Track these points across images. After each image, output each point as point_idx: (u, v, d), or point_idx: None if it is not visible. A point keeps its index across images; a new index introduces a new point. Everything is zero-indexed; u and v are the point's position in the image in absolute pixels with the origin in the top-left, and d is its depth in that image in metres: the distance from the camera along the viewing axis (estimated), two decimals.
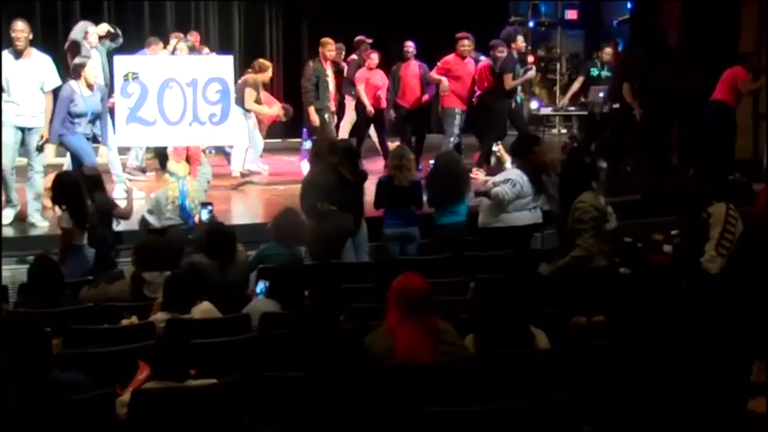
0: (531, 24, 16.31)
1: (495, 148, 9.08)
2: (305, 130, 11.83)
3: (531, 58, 15.27)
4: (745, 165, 10.66)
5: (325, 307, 5.07)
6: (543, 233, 7.86)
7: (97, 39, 10.30)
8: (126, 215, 7.61)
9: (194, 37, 12.13)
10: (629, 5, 14.26)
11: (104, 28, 10.73)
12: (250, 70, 11.04)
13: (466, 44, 10.99)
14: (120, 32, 10.82)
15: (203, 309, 5.30)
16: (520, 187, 7.40)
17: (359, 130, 11.62)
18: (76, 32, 10.09)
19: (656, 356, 4.30)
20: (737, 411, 2.96)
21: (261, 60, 11.31)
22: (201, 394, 4.00)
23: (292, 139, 13.48)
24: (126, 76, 9.36)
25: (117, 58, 9.75)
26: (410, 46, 11.24)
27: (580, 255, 5.91)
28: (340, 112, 11.77)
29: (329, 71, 10.95)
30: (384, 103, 11.52)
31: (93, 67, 9.00)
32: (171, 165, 7.94)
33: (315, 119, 10.73)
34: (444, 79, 10.96)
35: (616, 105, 11.28)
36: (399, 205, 7.76)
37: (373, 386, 3.98)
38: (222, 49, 13.49)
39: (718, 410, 3.49)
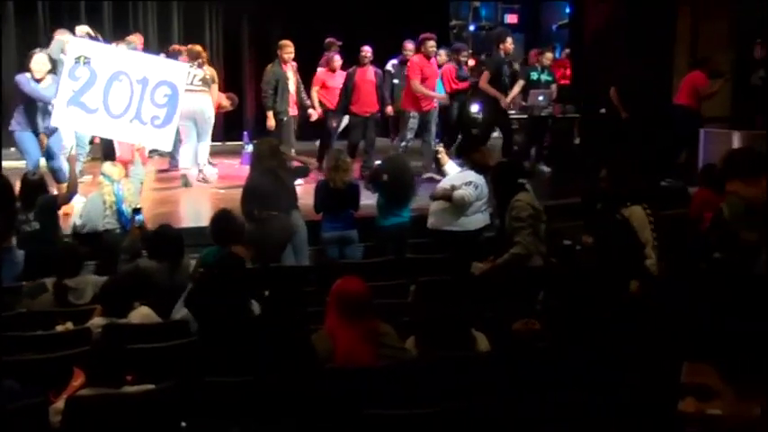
0: (471, 28, 16.42)
1: (438, 148, 9.11)
2: (245, 132, 11.80)
3: (471, 62, 15.41)
4: (681, 168, 10.88)
5: (277, 310, 5.02)
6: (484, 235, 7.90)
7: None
8: (68, 198, 7.61)
9: (137, 38, 11.96)
10: (567, 10, 14.43)
11: (84, 29, 10.61)
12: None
13: (431, 45, 10.98)
14: (99, 37, 10.67)
15: (142, 313, 5.24)
16: (480, 190, 7.46)
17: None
18: (54, 50, 9.87)
19: (593, 358, 4.35)
20: (670, 412, 3.00)
21: (191, 47, 11.23)
22: (138, 400, 3.94)
23: (233, 143, 13.42)
24: (78, 58, 9.13)
25: (73, 40, 9.56)
26: (367, 51, 11.06)
27: (519, 252, 5.95)
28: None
29: (290, 74, 10.81)
30: None
31: (40, 60, 9.06)
32: (106, 167, 7.82)
33: (271, 123, 10.67)
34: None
35: (602, 110, 11.47)
36: (337, 208, 7.73)
37: (313, 389, 3.95)
38: (161, 50, 13.32)
39: (650, 411, 3.54)
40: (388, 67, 11.50)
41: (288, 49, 10.76)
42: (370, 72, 11.07)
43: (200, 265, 6.32)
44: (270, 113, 10.68)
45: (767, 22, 11.04)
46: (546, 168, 11.61)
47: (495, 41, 11.10)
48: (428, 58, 10.93)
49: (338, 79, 11.43)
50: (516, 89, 12.06)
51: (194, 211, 9.58)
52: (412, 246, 7.84)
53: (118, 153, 10.07)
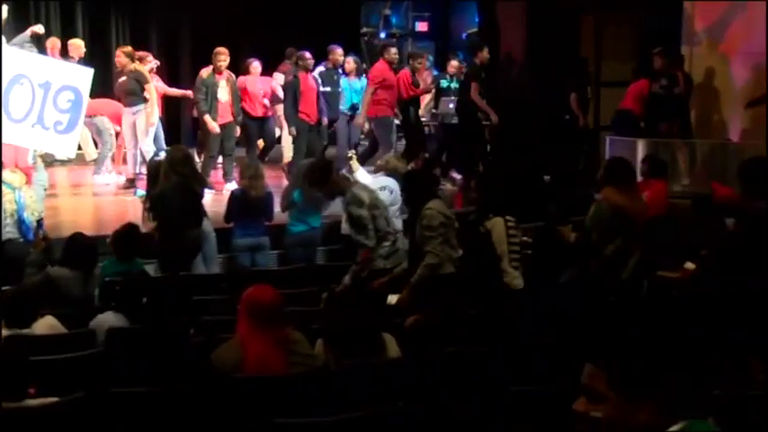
0: (382, 36, 16.47)
1: (349, 154, 9.09)
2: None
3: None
4: (583, 174, 11.13)
5: (171, 320, 4.95)
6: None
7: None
8: None
9: (52, 44, 11.64)
10: (476, 19, 14.60)
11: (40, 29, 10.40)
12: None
13: (393, 52, 11.01)
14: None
15: (47, 324, 5.09)
16: (395, 195, 7.50)
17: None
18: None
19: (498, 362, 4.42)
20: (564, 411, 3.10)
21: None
22: (41, 414, 3.82)
23: None
24: None
25: None
26: (310, 57, 10.95)
27: (431, 262, 5.96)
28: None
29: (222, 82, 10.58)
30: (271, 112, 11.55)
31: None
32: (6, 174, 7.58)
33: (212, 126, 10.50)
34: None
35: (566, 117, 11.58)
36: (252, 216, 7.70)
37: (222, 399, 3.89)
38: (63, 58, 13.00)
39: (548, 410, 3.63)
40: (315, 74, 11.37)
41: (221, 57, 10.56)
42: (311, 78, 10.97)
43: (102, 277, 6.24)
44: (206, 118, 10.49)
45: (666, 34, 11.39)
46: (457, 176, 11.70)
47: (471, 51, 11.14)
48: (390, 65, 10.93)
49: (258, 85, 11.44)
50: (427, 97, 12.17)
51: (98, 220, 9.37)
52: (326, 252, 7.84)
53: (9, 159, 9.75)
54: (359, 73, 11.68)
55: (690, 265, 6.74)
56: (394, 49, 11.08)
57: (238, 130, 10.98)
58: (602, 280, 5.90)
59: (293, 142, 10.78)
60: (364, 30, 16.37)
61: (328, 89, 11.27)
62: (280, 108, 11.39)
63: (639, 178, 8.21)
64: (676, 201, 9.09)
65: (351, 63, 11.68)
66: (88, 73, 9.66)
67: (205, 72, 10.69)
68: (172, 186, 7.28)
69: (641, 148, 10.34)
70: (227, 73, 10.70)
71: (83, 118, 9.42)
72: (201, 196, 7.55)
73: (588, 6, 12.15)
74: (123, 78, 10.65)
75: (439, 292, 5.73)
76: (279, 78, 12.07)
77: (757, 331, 4.17)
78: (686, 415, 2.60)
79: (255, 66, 11.56)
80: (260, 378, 4.12)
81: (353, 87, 11.42)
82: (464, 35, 15.61)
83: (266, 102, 11.59)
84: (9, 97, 8.79)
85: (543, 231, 7.35)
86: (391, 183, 7.66)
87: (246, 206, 7.69)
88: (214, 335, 4.74)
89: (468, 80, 11.13)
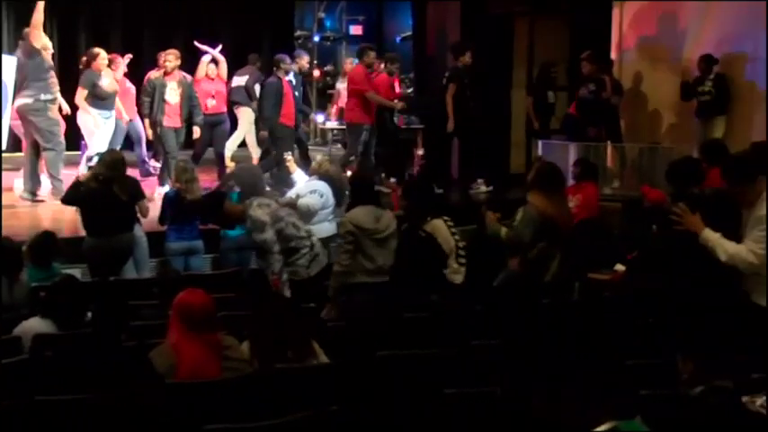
0: (316, 39, 16.42)
1: (286, 156, 9.03)
2: (83, 142, 11.38)
3: (316, 73, 15.44)
4: (520, 178, 11.25)
5: (106, 324, 4.87)
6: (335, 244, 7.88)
7: None
8: None
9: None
10: (410, 22, 14.64)
11: None
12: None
13: (372, 55, 10.90)
14: None
15: None
16: (326, 198, 7.51)
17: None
18: None
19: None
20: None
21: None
22: None
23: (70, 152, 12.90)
24: None
25: None
26: (289, 62, 10.76)
27: (336, 270, 6.07)
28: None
29: (173, 83, 10.33)
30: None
31: None
32: None
33: (149, 131, 10.34)
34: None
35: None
36: (186, 219, 7.62)
37: (154, 405, 3.84)
38: None
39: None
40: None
41: (169, 57, 10.36)
42: (288, 83, 10.72)
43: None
44: (147, 122, 10.33)
45: (597, 38, 11.58)
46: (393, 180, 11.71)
47: (454, 53, 11.03)
48: (369, 67, 10.81)
49: (210, 86, 11.30)
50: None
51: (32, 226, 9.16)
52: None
53: None
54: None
55: (620, 267, 6.87)
56: (373, 53, 10.93)
57: (197, 131, 10.63)
58: (531, 281, 5.97)
59: (278, 147, 10.23)
60: (298, 33, 16.31)
61: (296, 94, 11.16)
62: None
63: (571, 181, 8.34)
64: (607, 204, 9.26)
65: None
66: (10, 61, 9.40)
67: (154, 74, 10.51)
68: (91, 191, 7.21)
69: (572, 152, 10.49)
70: (179, 74, 10.45)
71: (8, 108, 9.18)
72: (132, 201, 7.40)
73: (521, 9, 12.27)
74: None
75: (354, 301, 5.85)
76: (238, 82, 12.01)
77: (683, 332, 4.26)
78: (614, 415, 2.64)
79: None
80: (192, 384, 4.08)
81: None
82: (398, 39, 15.66)
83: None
84: None
85: (477, 232, 7.42)
86: (322, 186, 7.68)
87: (180, 209, 7.61)
88: (145, 340, 4.67)
89: (448, 82, 10.91)
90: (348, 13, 16.63)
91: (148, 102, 10.35)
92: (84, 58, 10.65)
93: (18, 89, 9.53)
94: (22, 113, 9.55)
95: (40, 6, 9.30)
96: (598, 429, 2.63)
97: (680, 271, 5.41)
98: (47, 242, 6.56)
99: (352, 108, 10.87)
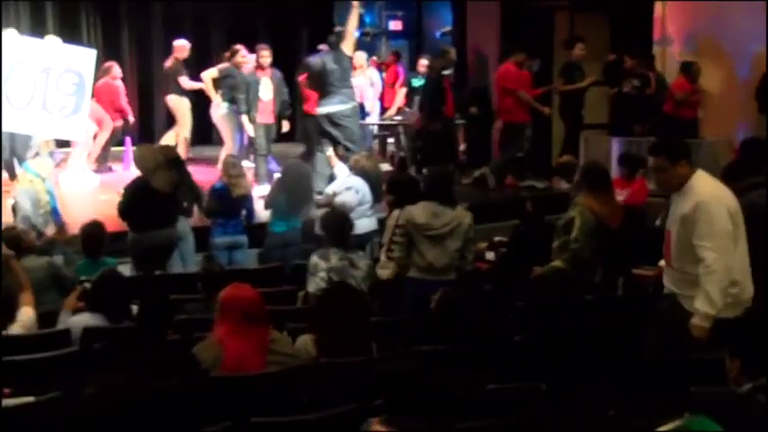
0: (356, 34, 16.40)
1: (328, 151, 9.08)
2: (128, 137, 11.53)
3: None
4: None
5: (153, 319, 4.92)
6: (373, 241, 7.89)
7: None
8: None
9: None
10: (450, 17, 14.61)
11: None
12: None
13: (522, 54, 10.88)
14: None
15: (23, 322, 5.04)
16: (362, 195, 7.55)
17: None
18: None
19: None
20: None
21: None
22: (17, 415, 3.79)
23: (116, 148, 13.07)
24: None
25: None
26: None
27: (383, 261, 6.07)
28: None
29: (266, 79, 10.32)
30: None
31: None
32: (32, 163, 7.50)
33: (248, 129, 10.26)
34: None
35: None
36: (232, 214, 7.68)
37: (200, 397, 3.88)
38: None
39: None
40: None
41: (263, 53, 10.37)
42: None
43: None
44: (243, 119, 10.23)
45: (639, 33, 11.47)
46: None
47: (565, 47, 11.12)
48: (520, 66, 10.81)
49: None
50: (400, 96, 12.15)
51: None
52: (302, 251, 7.81)
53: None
54: None
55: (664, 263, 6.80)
56: (523, 53, 10.84)
57: (287, 125, 10.71)
58: (575, 279, 5.95)
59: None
60: (338, 28, 16.32)
61: None
62: None
63: (615, 176, 8.27)
64: (651, 199, 9.16)
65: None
66: (90, 54, 9.45)
67: (246, 69, 10.41)
68: (136, 186, 7.27)
69: (615, 148, 10.41)
70: (270, 70, 10.43)
71: (88, 99, 9.28)
72: (174, 196, 7.43)
73: (561, 4, 12.19)
74: None
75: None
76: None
77: (726, 331, 4.24)
78: (679, 412, 2.61)
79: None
80: (238, 376, 4.11)
81: None
82: (438, 34, 15.63)
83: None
84: (9, 85, 8.59)
85: (519, 230, 7.40)
86: (358, 183, 7.71)
87: (227, 204, 7.67)
88: (191, 334, 4.72)
89: (559, 76, 10.94)
90: (387, 9, 16.62)
91: (243, 98, 10.20)
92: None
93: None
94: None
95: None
96: (665, 428, 2.59)
97: None
98: (96, 232, 6.61)
99: (510, 109, 10.78)
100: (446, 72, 11.15)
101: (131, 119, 11.75)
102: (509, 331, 4.99)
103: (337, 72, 9.45)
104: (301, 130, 12.40)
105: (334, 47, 9.69)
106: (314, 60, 9.95)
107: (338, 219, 6.33)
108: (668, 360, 3.84)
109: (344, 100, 9.49)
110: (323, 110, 9.51)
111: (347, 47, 9.62)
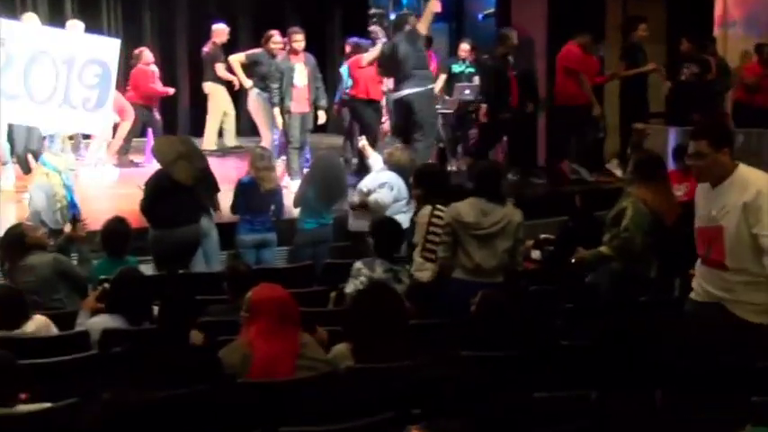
0: (392, 17, 16.40)
1: (362, 142, 9.06)
2: (149, 129, 11.59)
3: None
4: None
5: (172, 320, 4.96)
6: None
7: None
8: None
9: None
10: None
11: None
12: None
13: (588, 36, 10.72)
14: None
15: (38, 324, 5.09)
16: (397, 190, 7.49)
17: None
18: None
19: None
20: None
21: None
22: (34, 421, 3.83)
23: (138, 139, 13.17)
24: None
25: None
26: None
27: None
28: None
29: (300, 65, 10.17)
30: None
31: None
32: (48, 156, 7.59)
33: (279, 120, 10.25)
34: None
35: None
36: (260, 209, 7.68)
37: (226, 404, 3.90)
38: None
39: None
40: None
41: (297, 37, 10.16)
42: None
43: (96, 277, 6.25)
44: (275, 111, 10.17)
45: (698, 15, 11.34)
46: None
47: (625, 28, 11.02)
48: (585, 48, 10.64)
49: None
50: (439, 82, 12.09)
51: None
52: (332, 249, 7.83)
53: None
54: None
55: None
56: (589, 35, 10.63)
57: (323, 116, 10.54)
58: (630, 279, 5.89)
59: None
60: (373, 11, 16.32)
61: None
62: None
63: (672, 170, 8.18)
64: None
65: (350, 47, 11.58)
66: (114, 44, 9.43)
67: (280, 56, 10.32)
68: (158, 179, 7.30)
69: (672, 138, 10.30)
70: (303, 55, 10.26)
71: (113, 92, 9.31)
72: (196, 192, 7.43)
73: None
74: None
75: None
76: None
77: None
78: (740, 424, 2.59)
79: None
80: (266, 383, 4.13)
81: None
82: (480, 16, 15.55)
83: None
84: (30, 77, 8.59)
85: (567, 227, 7.36)
86: (392, 178, 7.61)
87: (254, 199, 7.68)
88: (215, 336, 4.74)
89: (620, 59, 10.80)
90: None
91: (277, 89, 10.08)
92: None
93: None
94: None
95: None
96: None
97: None
98: (119, 228, 6.63)
99: (574, 93, 10.51)
100: (509, 59, 11.01)
101: (171, 91, 11.97)
102: (556, 335, 4.96)
103: (411, 54, 9.39)
104: (333, 121, 12.38)
105: (400, 28, 9.67)
106: (386, 45, 9.98)
107: (390, 231, 6.26)
108: (728, 368, 3.79)
109: (419, 83, 9.43)
110: (397, 94, 9.53)
111: (423, 26, 9.54)
